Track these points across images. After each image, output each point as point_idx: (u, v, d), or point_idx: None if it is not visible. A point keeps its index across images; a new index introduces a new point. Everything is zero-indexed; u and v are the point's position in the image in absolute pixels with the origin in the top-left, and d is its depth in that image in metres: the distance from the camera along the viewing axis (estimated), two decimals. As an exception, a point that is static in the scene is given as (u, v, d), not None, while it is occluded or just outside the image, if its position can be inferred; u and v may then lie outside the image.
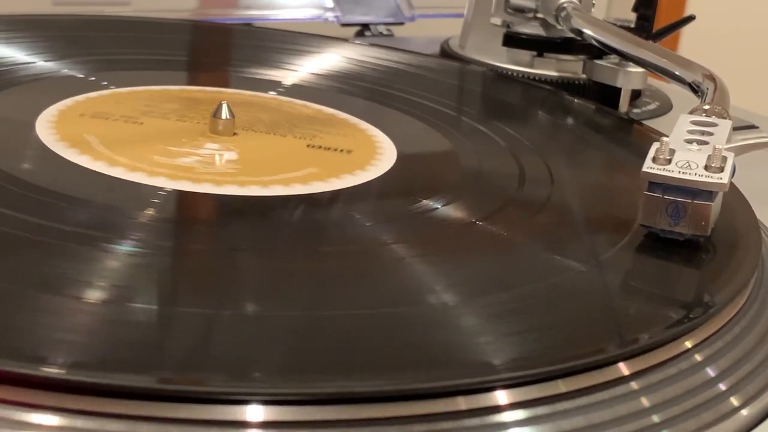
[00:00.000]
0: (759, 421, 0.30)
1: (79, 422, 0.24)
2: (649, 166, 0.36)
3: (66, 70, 0.51)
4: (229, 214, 0.38)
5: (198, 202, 0.38)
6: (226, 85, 0.54)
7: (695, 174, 0.36)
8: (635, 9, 0.63)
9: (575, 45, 0.61)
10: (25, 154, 0.41)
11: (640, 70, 0.58)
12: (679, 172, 0.36)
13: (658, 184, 0.36)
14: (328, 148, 0.45)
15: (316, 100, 0.52)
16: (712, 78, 0.49)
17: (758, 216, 0.41)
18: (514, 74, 0.61)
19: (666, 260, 0.36)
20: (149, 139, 0.43)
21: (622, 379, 0.29)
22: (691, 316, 0.32)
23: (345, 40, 0.65)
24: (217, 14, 0.76)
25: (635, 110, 0.61)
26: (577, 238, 0.39)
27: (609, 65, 0.59)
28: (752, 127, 0.55)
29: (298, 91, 0.53)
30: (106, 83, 0.50)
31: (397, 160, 0.44)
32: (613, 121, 0.55)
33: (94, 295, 0.29)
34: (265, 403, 0.25)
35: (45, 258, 0.31)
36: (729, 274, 0.36)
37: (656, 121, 0.60)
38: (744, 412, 0.30)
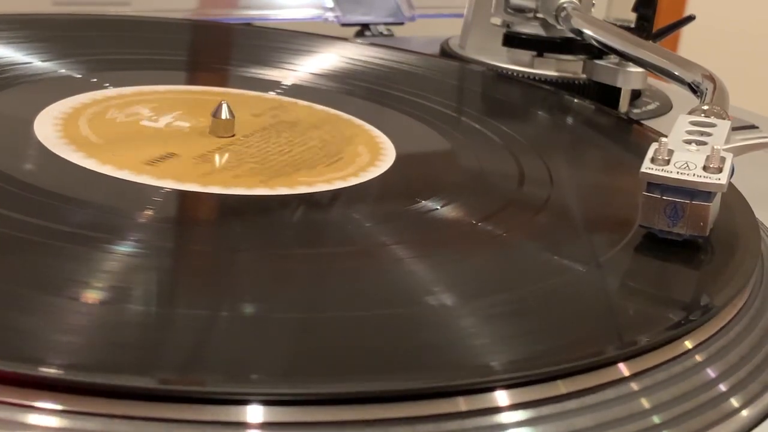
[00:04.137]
0: (759, 422, 0.30)
1: (78, 423, 0.24)
2: (647, 167, 0.36)
3: (66, 70, 0.51)
4: (227, 214, 0.38)
5: (197, 202, 0.38)
6: (226, 85, 0.54)
7: (693, 174, 0.36)
8: (635, 9, 0.63)
9: (575, 45, 0.61)
10: (24, 154, 0.41)
11: (640, 70, 0.58)
12: (678, 172, 0.36)
13: (657, 185, 0.36)
14: (327, 148, 0.45)
15: (315, 100, 0.52)
16: (711, 78, 0.49)
17: (758, 216, 0.41)
18: (514, 74, 0.61)
19: (666, 261, 0.36)
20: (148, 139, 0.43)
21: (622, 380, 0.29)
22: (690, 316, 0.32)
23: (345, 39, 0.65)
24: (217, 14, 0.76)
25: (635, 110, 0.61)
26: (577, 238, 0.39)
27: (609, 65, 0.59)
28: (752, 127, 0.55)
29: (297, 90, 0.53)
30: (105, 83, 0.49)
31: (396, 160, 0.44)
32: (612, 121, 0.55)
33: (93, 296, 0.29)
34: (265, 403, 0.25)
35: (44, 259, 0.31)
36: (729, 275, 0.36)
37: (656, 121, 0.60)
38: (744, 412, 0.30)
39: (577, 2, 0.60)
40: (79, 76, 0.51)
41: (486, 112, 0.56)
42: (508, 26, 0.64)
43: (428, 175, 0.44)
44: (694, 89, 0.50)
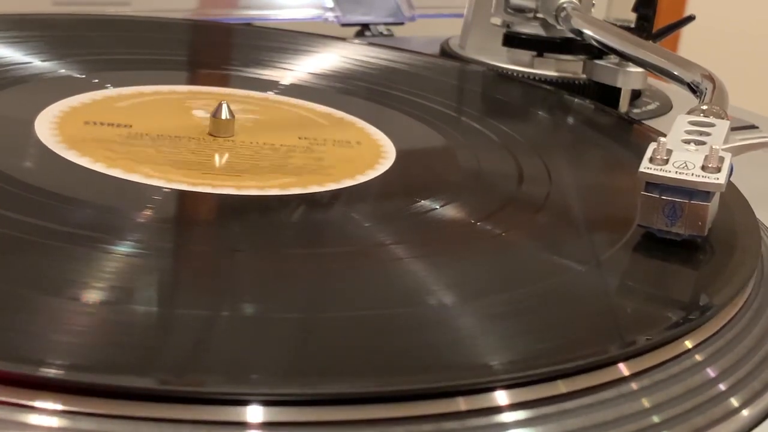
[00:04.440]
0: (759, 422, 0.30)
1: (78, 423, 0.24)
2: (646, 167, 0.36)
3: (65, 70, 0.51)
4: (228, 214, 0.38)
5: (197, 202, 0.38)
6: (225, 85, 0.54)
7: (692, 174, 0.36)
8: (635, 9, 0.63)
9: (575, 45, 0.61)
10: (24, 154, 0.41)
11: (640, 70, 0.58)
12: (676, 172, 0.36)
13: (655, 185, 0.36)
14: (328, 149, 0.45)
15: (315, 99, 0.52)
16: (710, 78, 0.49)
17: (758, 216, 0.41)
18: (514, 74, 0.61)
19: (665, 260, 0.36)
20: (148, 139, 0.43)
21: (622, 380, 0.29)
22: (690, 316, 0.32)
23: (344, 39, 0.65)
24: (217, 14, 0.76)
25: (635, 110, 0.61)
26: (576, 238, 0.39)
27: (609, 65, 0.59)
28: (752, 127, 0.55)
29: (297, 90, 0.53)
30: (105, 83, 0.49)
31: (396, 160, 0.44)
32: (612, 121, 0.55)
33: (93, 297, 0.29)
34: (265, 403, 0.25)
35: (45, 259, 0.31)
36: (729, 274, 0.36)
37: (656, 121, 0.60)
38: (744, 412, 0.30)
39: (577, 2, 0.60)
40: (80, 76, 0.51)
41: (486, 111, 0.56)
42: (508, 26, 0.64)
43: (428, 174, 0.44)
44: (694, 89, 0.50)
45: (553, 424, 0.27)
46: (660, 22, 0.64)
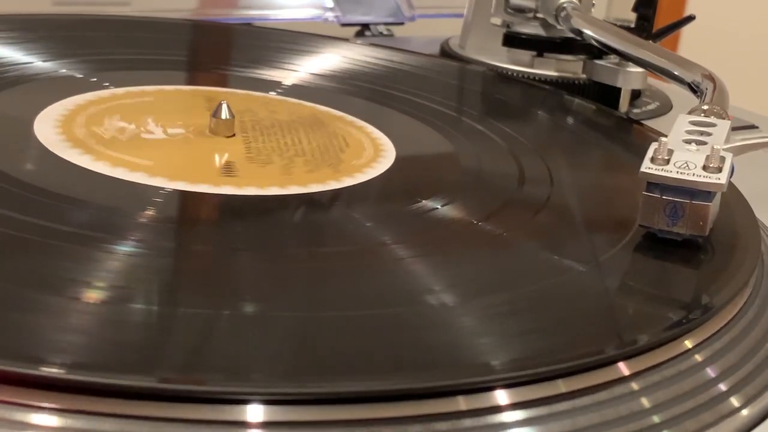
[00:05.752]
0: (759, 422, 0.30)
1: (79, 422, 0.24)
2: (647, 167, 0.36)
3: (66, 70, 0.51)
4: (228, 214, 0.38)
5: (197, 202, 0.38)
6: (226, 85, 0.54)
7: (693, 174, 0.36)
8: (635, 9, 0.63)
9: (575, 45, 0.61)
10: (24, 154, 0.41)
11: (640, 70, 0.58)
12: (678, 172, 0.36)
13: (657, 185, 0.36)
14: (328, 149, 0.45)
15: (316, 100, 0.52)
16: (711, 78, 0.49)
17: (758, 216, 0.41)
18: (514, 74, 0.61)
19: (665, 260, 0.36)
20: (148, 139, 0.43)
21: (622, 380, 0.29)
22: (690, 316, 0.32)
23: (345, 40, 0.65)
24: (217, 14, 0.76)
25: (635, 110, 0.61)
26: (577, 238, 0.39)
27: (609, 65, 0.59)
28: (752, 127, 0.55)
29: (298, 91, 0.53)
30: (106, 83, 0.49)
31: (396, 160, 0.44)
32: (613, 121, 0.55)
33: (94, 296, 0.29)
34: (265, 403, 0.25)
35: (45, 258, 0.31)
36: (729, 274, 0.36)
37: (656, 121, 0.60)
38: (744, 412, 0.30)
39: (577, 2, 0.61)
40: (80, 76, 0.51)
41: (486, 112, 0.56)
42: (508, 26, 0.64)
43: (429, 174, 0.44)
44: (694, 89, 0.50)
45: (552, 424, 0.27)
46: (660, 22, 0.64)
